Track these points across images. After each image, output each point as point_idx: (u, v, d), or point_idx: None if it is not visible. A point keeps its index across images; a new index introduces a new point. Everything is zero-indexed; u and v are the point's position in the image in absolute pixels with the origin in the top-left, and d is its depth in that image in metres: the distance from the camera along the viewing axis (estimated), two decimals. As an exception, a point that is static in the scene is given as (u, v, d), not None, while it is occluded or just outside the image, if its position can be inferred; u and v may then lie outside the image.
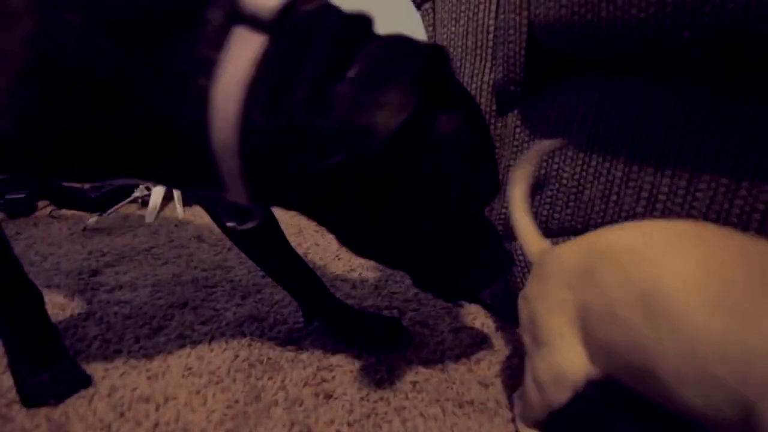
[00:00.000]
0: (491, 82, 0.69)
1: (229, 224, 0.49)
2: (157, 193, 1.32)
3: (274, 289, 0.82)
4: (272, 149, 0.42)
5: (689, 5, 0.40)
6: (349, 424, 0.51)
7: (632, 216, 0.50)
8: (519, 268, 0.64)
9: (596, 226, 0.51)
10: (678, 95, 0.47)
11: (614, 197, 0.52)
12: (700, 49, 0.42)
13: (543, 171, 0.62)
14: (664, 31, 0.43)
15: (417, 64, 0.39)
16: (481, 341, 0.67)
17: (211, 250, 1.03)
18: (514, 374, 0.59)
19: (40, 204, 1.37)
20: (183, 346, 0.65)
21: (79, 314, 0.74)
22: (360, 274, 0.90)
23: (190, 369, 0.60)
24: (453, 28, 0.72)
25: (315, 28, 0.41)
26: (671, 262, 0.35)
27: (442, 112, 0.43)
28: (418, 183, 0.44)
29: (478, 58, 0.70)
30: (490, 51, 0.69)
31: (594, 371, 0.41)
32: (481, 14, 0.68)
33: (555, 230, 0.60)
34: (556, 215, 0.60)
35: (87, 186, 1.36)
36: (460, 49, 0.72)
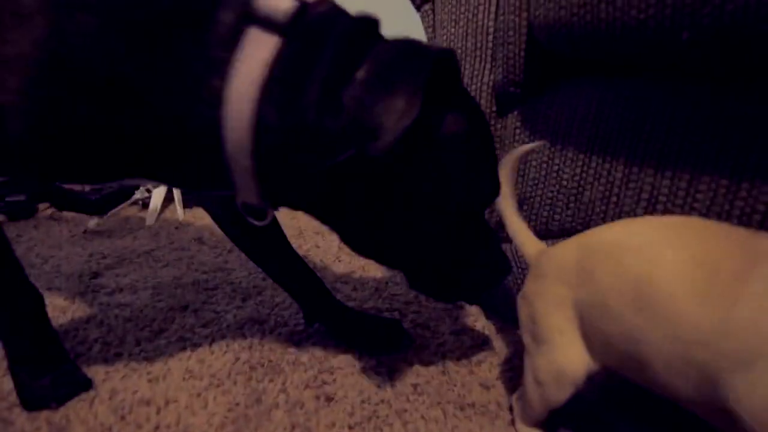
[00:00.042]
0: (491, 84, 0.69)
1: (251, 221, 0.49)
2: (158, 195, 1.32)
3: (275, 291, 0.82)
4: (284, 148, 0.42)
5: (688, 6, 0.40)
6: (350, 427, 0.51)
7: (633, 217, 0.50)
8: (520, 270, 0.64)
9: (597, 228, 0.51)
10: (678, 96, 0.47)
11: (614, 198, 0.52)
12: (700, 50, 0.42)
13: (543, 172, 0.62)
14: (663, 32, 0.43)
15: (425, 66, 0.39)
16: (482, 343, 0.67)
17: (211, 253, 1.03)
18: (515, 376, 0.59)
19: (41, 206, 1.37)
20: (184, 348, 0.65)
21: (80, 317, 0.73)
22: (361, 276, 0.90)
23: (190, 372, 0.60)
24: (453, 30, 0.72)
25: (326, 30, 0.41)
26: (660, 254, 0.36)
27: (448, 114, 0.44)
28: (422, 183, 0.45)
29: (477, 59, 0.70)
30: (489, 52, 0.69)
31: (593, 365, 0.42)
32: (480, 15, 0.68)
33: (555, 231, 0.60)
34: (557, 216, 0.60)
35: (87, 188, 1.36)
36: (459, 51, 0.72)
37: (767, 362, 0.30)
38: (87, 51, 0.39)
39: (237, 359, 0.62)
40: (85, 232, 1.19)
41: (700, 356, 0.33)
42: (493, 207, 0.72)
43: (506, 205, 0.54)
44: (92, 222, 1.20)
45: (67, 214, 1.35)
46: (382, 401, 0.54)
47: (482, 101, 0.70)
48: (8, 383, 0.56)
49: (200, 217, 1.28)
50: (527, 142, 0.65)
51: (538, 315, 0.45)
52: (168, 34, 0.40)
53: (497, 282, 0.54)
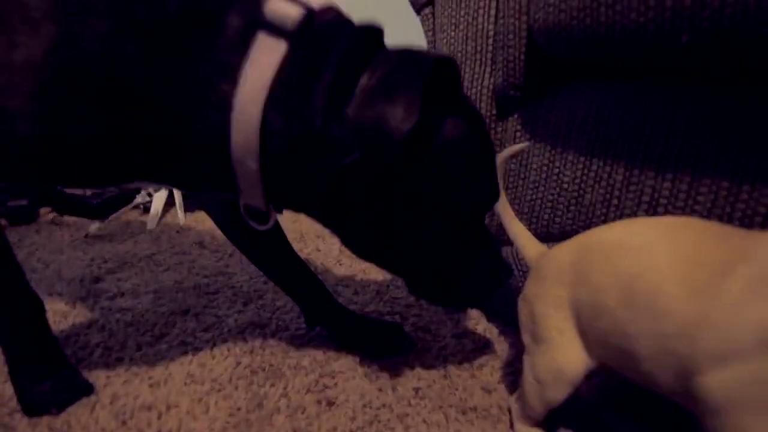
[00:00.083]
0: (491, 87, 0.69)
1: (252, 225, 0.50)
2: (159, 199, 1.32)
3: (276, 295, 0.82)
4: (290, 153, 0.43)
5: (688, 9, 0.40)
6: None
7: (634, 220, 0.50)
8: (521, 273, 0.64)
9: (598, 231, 0.51)
10: (677, 99, 0.47)
11: (615, 201, 0.52)
12: (699, 53, 0.42)
13: (543, 175, 0.62)
14: (662, 35, 0.43)
15: (424, 73, 0.40)
16: (483, 346, 0.66)
17: (212, 257, 1.03)
18: (517, 380, 0.58)
19: (42, 211, 1.38)
20: (185, 353, 0.65)
21: (81, 322, 0.73)
22: (362, 279, 0.90)
23: (192, 376, 0.60)
24: (452, 33, 0.72)
25: (332, 39, 0.42)
26: (653, 252, 0.37)
27: (448, 119, 0.45)
28: (423, 186, 0.45)
29: (477, 62, 0.70)
30: (489, 56, 0.69)
31: (591, 363, 0.43)
32: (480, 19, 0.68)
33: (556, 234, 0.60)
34: (558, 219, 0.60)
35: (89, 192, 1.36)
36: (459, 54, 0.72)
37: (738, 364, 0.31)
38: (97, 55, 0.39)
39: (238, 363, 0.62)
40: (86, 236, 1.19)
41: (680, 349, 0.34)
42: (493, 211, 0.72)
43: (505, 209, 0.55)
44: (93, 226, 1.21)
45: (69, 219, 1.35)
46: (384, 405, 0.54)
47: (482, 105, 0.71)
48: (9, 389, 0.55)
49: (201, 221, 1.28)
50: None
51: (538, 315, 0.45)
52: (178, 38, 0.40)
53: (497, 287, 0.54)
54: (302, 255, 1.00)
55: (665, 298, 0.35)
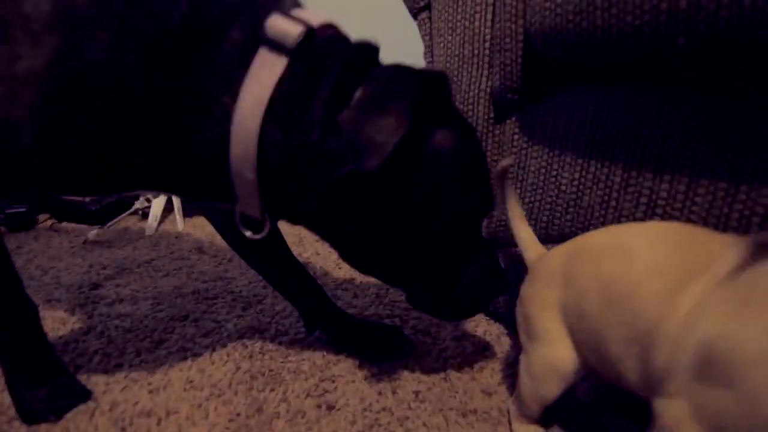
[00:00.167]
0: (488, 90, 0.70)
1: (247, 234, 0.51)
2: (158, 204, 1.32)
3: (275, 300, 0.82)
4: (287, 165, 0.44)
5: (683, 12, 0.40)
6: (352, 436, 0.50)
7: (632, 221, 0.50)
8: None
9: (596, 232, 0.51)
10: (674, 101, 0.47)
11: (613, 203, 0.52)
12: (695, 56, 0.42)
13: (542, 178, 0.62)
14: (658, 38, 0.43)
15: (414, 87, 0.42)
16: (483, 349, 0.66)
17: (211, 262, 1.03)
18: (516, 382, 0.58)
19: (41, 217, 1.37)
20: (184, 359, 0.65)
21: (80, 328, 0.73)
22: (361, 283, 0.90)
23: (191, 382, 0.59)
24: (449, 37, 0.73)
25: (330, 55, 0.44)
26: (634, 255, 0.38)
27: (438, 131, 0.46)
28: (415, 196, 0.46)
29: (475, 66, 0.70)
30: (486, 59, 0.69)
31: (580, 363, 0.44)
32: (477, 23, 0.69)
33: (555, 236, 0.60)
34: (556, 221, 0.60)
35: (87, 199, 1.36)
36: (457, 58, 0.72)
37: (682, 384, 0.31)
38: (100, 66, 0.40)
39: (238, 369, 0.62)
40: (85, 242, 1.19)
41: (644, 357, 0.35)
42: (492, 213, 0.72)
43: (514, 214, 0.56)
44: (92, 233, 1.21)
45: (67, 225, 1.35)
46: (384, 409, 0.54)
47: (480, 108, 0.71)
48: (8, 397, 0.55)
49: (200, 226, 1.28)
50: (525, 149, 0.66)
51: (531, 316, 0.47)
52: (180, 51, 0.41)
53: (494, 296, 0.55)
54: (301, 259, 1.00)
55: (636, 303, 0.36)
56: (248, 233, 0.51)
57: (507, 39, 0.64)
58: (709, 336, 0.30)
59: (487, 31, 0.68)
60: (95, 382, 0.60)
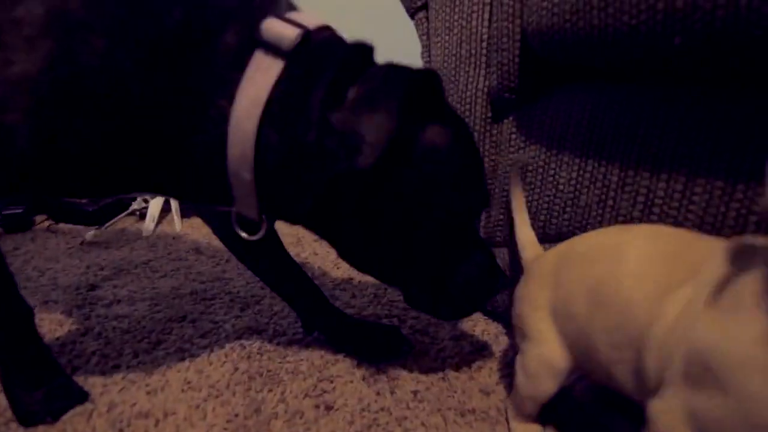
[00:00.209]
0: (486, 90, 0.70)
1: (243, 235, 0.51)
2: (155, 205, 1.32)
3: (273, 300, 0.81)
4: (283, 165, 0.44)
5: (680, 12, 0.40)
6: (351, 436, 0.50)
7: (629, 221, 0.50)
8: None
9: (593, 232, 0.51)
10: (671, 100, 0.47)
11: (611, 202, 0.52)
12: (692, 55, 0.42)
13: (539, 177, 0.62)
14: (655, 37, 0.43)
15: (403, 85, 0.43)
16: (481, 348, 0.66)
17: (209, 262, 1.03)
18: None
19: (38, 218, 1.37)
20: (182, 359, 0.65)
21: (77, 329, 0.73)
22: (359, 283, 0.90)
23: (189, 383, 0.59)
24: (447, 37, 0.73)
25: (325, 57, 0.44)
26: (623, 257, 0.38)
27: (429, 127, 0.46)
28: (408, 193, 0.47)
29: (472, 66, 0.70)
30: (484, 59, 0.69)
31: (571, 363, 0.44)
32: (474, 23, 0.69)
33: (552, 236, 0.60)
34: (554, 221, 0.60)
35: (84, 200, 1.35)
36: (454, 58, 0.72)
37: (671, 391, 0.32)
38: (95, 71, 0.40)
39: (236, 369, 0.62)
40: (82, 243, 1.18)
41: (636, 354, 0.35)
42: (490, 212, 0.72)
43: (517, 213, 0.57)
44: (89, 233, 1.20)
45: (64, 226, 1.35)
46: (382, 409, 0.54)
47: (477, 107, 0.71)
48: (5, 399, 0.55)
49: (197, 227, 1.28)
50: (522, 148, 0.66)
51: (525, 316, 0.48)
52: (176, 55, 0.41)
53: (491, 295, 0.55)
54: (299, 259, 1.00)
55: (624, 307, 0.36)
56: (244, 235, 0.51)
57: (504, 39, 0.64)
58: (698, 341, 0.30)
59: (485, 30, 0.68)
60: (92, 383, 0.59)
